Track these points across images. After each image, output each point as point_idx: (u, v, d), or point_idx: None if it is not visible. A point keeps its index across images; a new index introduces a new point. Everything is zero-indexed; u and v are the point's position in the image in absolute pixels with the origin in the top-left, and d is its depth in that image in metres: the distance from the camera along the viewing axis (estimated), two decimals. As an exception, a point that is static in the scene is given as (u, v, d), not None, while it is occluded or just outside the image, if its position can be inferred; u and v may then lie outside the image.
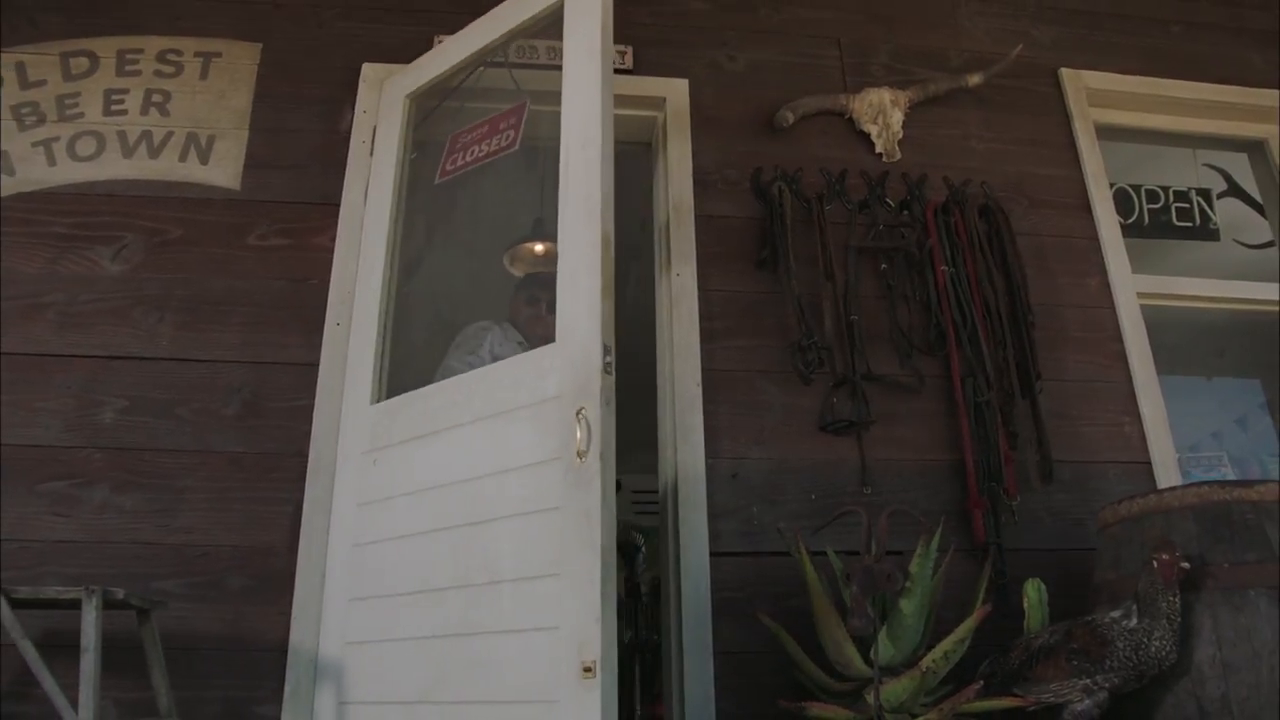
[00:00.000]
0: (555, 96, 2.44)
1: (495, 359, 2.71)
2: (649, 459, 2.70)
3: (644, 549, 5.54)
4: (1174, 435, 2.81)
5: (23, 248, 2.48)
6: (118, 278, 2.47)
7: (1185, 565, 1.88)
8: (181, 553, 2.20)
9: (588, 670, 1.65)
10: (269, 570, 2.22)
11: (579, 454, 1.78)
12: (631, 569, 5.57)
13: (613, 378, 1.85)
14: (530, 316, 3.09)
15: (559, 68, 2.44)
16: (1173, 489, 2.09)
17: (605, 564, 1.72)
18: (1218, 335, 3.58)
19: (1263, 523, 1.96)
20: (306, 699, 2.11)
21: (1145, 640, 1.86)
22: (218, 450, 2.31)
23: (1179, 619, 1.87)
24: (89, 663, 1.68)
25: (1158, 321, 3.05)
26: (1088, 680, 1.89)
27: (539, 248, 4.35)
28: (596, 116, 2.10)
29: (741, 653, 2.29)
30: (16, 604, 1.76)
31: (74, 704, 1.68)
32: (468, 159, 2.62)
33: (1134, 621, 1.89)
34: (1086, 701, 1.89)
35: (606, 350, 1.86)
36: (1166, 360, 3.28)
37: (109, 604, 1.79)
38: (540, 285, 3.13)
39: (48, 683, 1.68)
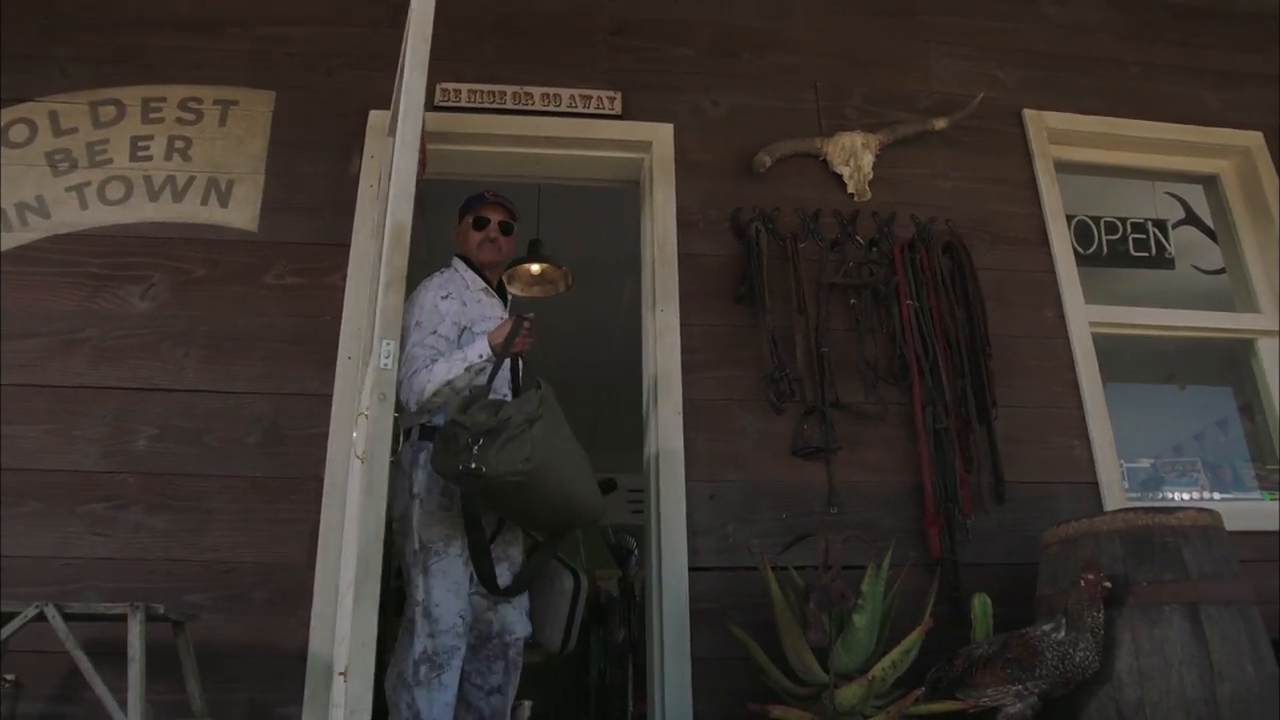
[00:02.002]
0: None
1: (435, 326, 2.51)
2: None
3: (637, 552, 5.75)
4: (1156, 438, 3.04)
5: (59, 286, 2.71)
6: (147, 315, 2.69)
7: (1108, 584, 2.12)
8: (210, 568, 2.44)
9: (342, 676, 1.63)
10: (290, 584, 2.45)
11: (359, 456, 1.81)
12: (625, 571, 5.79)
13: (391, 371, 1.81)
14: (482, 242, 2.73)
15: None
16: (1104, 514, 2.33)
17: (361, 564, 1.67)
18: (1168, 357, 3.80)
19: (1180, 546, 2.19)
20: (323, 702, 2.34)
21: (1071, 651, 2.09)
22: (241, 475, 2.54)
23: (1102, 632, 2.10)
24: (135, 671, 1.92)
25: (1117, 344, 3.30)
26: (1020, 686, 2.12)
27: (535, 268, 4.59)
28: (403, 108, 2.05)
29: (716, 659, 2.52)
30: (69, 618, 1.99)
31: (122, 706, 1.91)
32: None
33: (1062, 634, 2.12)
34: (1019, 705, 2.12)
35: (385, 344, 1.82)
36: (1138, 372, 3.53)
37: (150, 617, 2.02)
38: (487, 203, 2.77)
39: (99, 687, 1.91)
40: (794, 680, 2.25)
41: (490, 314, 2.64)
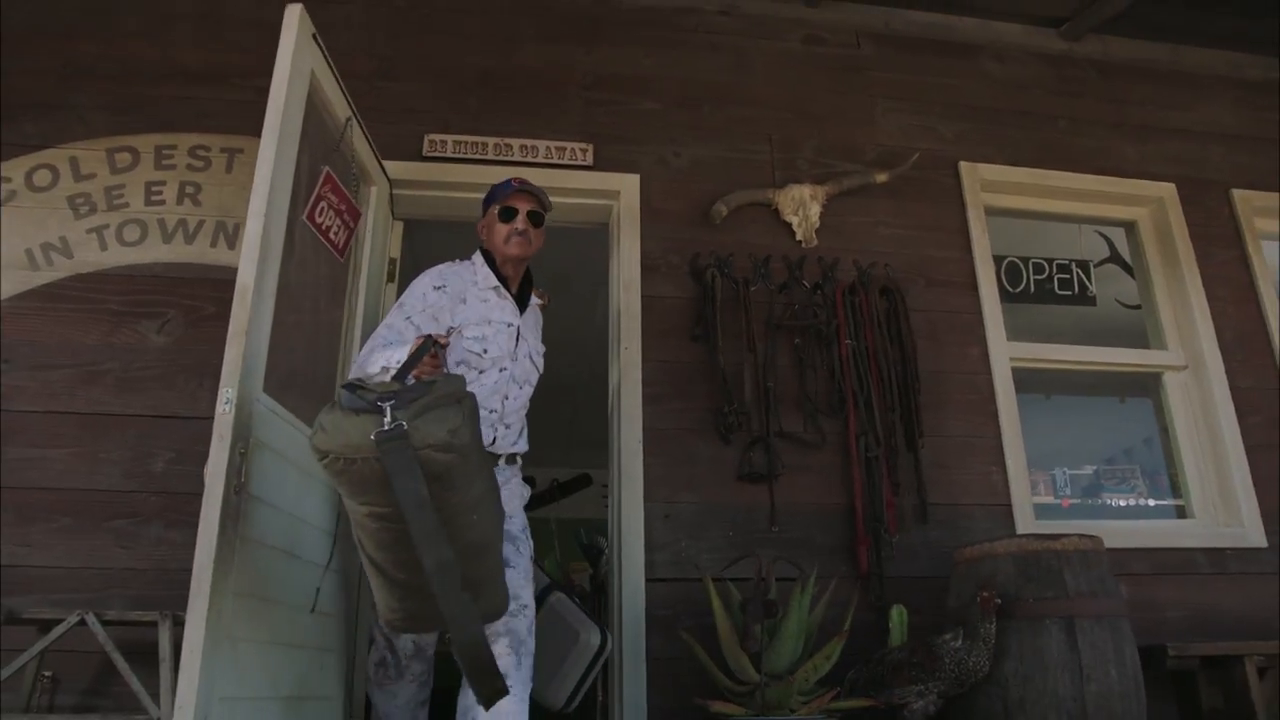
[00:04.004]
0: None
1: (411, 312, 2.37)
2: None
3: (608, 551, 6.07)
4: (1107, 441, 3.49)
5: (82, 322, 3.00)
6: (163, 349, 3.00)
7: (998, 601, 2.49)
8: (221, 579, 2.75)
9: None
10: (291, 593, 2.77)
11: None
12: (596, 569, 6.12)
13: (229, 415, 1.95)
14: (509, 236, 2.50)
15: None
16: (1001, 539, 2.70)
17: (195, 582, 1.82)
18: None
19: (1062, 568, 2.56)
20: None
21: (966, 657, 2.46)
22: (249, 495, 2.85)
23: (993, 641, 2.47)
24: (166, 669, 2.24)
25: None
26: (921, 687, 2.49)
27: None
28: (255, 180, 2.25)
29: (668, 659, 2.87)
30: (106, 623, 2.31)
31: (154, 699, 2.23)
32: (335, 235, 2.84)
33: (959, 642, 2.49)
34: (920, 703, 2.49)
35: (226, 390, 1.98)
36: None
37: (176, 623, 2.34)
38: (515, 192, 2.54)
39: (135, 684, 2.23)
40: (733, 679, 2.60)
41: (496, 317, 2.46)
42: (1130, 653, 2.52)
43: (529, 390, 2.56)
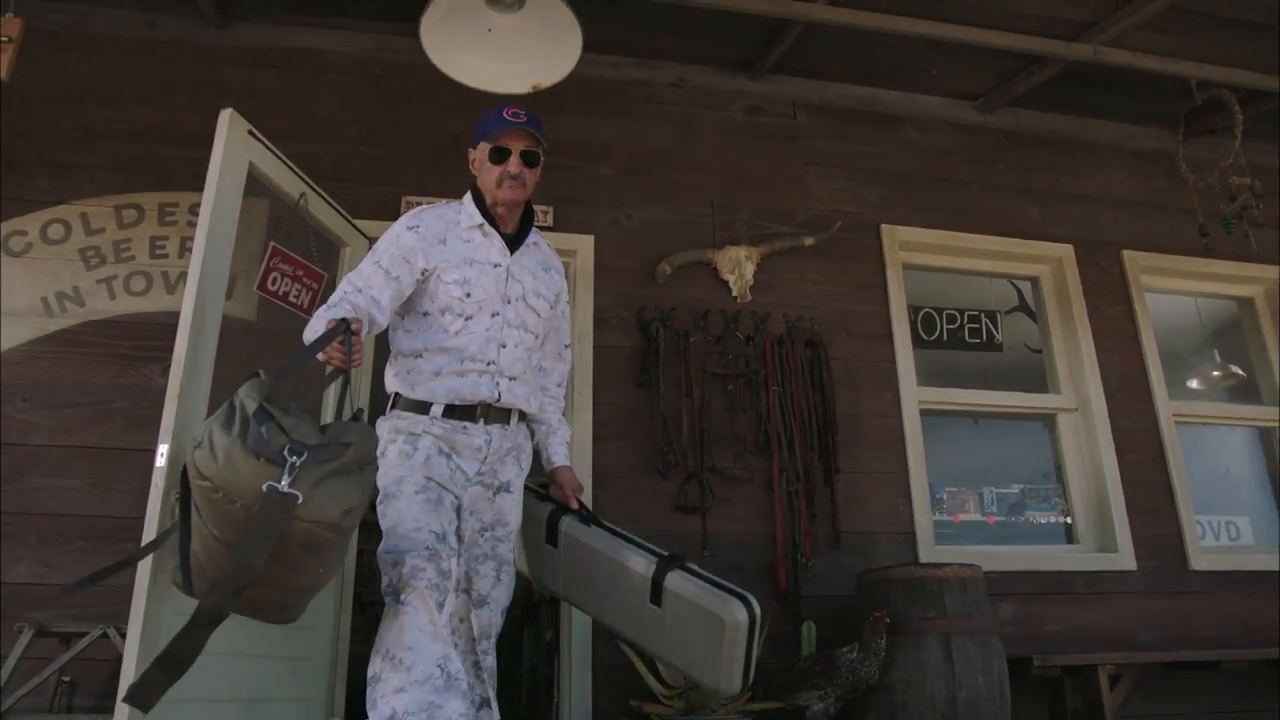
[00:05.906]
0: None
1: (380, 257, 2.27)
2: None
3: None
4: (1039, 459, 4.23)
5: (94, 364, 3.37)
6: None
7: (888, 620, 2.95)
8: (220, 596, 3.14)
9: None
10: (281, 609, 3.16)
11: None
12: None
13: (164, 470, 2.25)
14: (502, 179, 2.31)
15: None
16: (895, 566, 3.17)
17: (132, 606, 2.16)
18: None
19: (943, 592, 3.04)
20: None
21: (859, 668, 2.92)
22: (244, 522, 3.24)
23: (883, 654, 2.93)
24: (178, 678, 2.62)
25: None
26: (822, 692, 2.95)
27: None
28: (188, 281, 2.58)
29: (610, 667, 3.30)
30: (125, 636, 2.68)
31: (166, 704, 2.62)
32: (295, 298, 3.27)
33: (854, 655, 2.95)
34: (819, 705, 2.94)
35: (162, 446, 2.25)
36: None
37: (184, 638, 2.72)
38: (509, 129, 2.33)
39: (151, 690, 2.61)
40: (664, 685, 3.04)
41: (480, 257, 2.30)
42: (998, 664, 2.99)
43: (530, 339, 2.38)
